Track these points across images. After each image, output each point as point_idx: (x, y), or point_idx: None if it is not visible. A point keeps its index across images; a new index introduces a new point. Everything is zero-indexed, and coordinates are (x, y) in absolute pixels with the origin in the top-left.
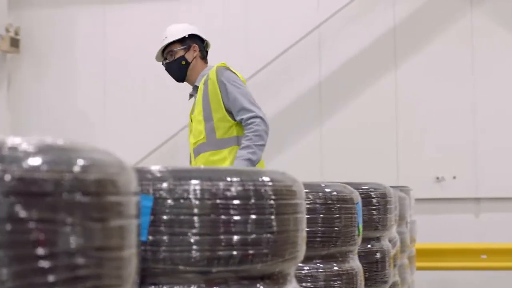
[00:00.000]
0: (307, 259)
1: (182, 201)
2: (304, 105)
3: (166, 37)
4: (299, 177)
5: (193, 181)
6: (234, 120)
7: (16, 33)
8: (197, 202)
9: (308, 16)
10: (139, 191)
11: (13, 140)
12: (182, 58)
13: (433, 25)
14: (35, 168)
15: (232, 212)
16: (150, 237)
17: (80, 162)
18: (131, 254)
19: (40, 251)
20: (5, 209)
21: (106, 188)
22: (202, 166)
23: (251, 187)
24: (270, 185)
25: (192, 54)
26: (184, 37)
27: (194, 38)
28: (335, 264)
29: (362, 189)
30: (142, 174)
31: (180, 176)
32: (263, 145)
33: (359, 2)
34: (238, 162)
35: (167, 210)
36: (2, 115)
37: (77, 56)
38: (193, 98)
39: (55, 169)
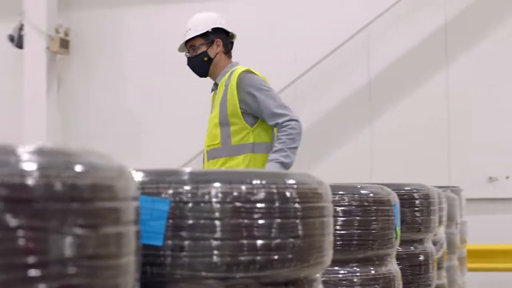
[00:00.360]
0: (343, 263)
1: (202, 204)
2: (354, 106)
3: (189, 29)
4: (348, 178)
5: (214, 184)
6: (251, 126)
7: (66, 34)
8: (218, 205)
9: (356, 15)
10: (156, 194)
11: (4, 144)
12: (204, 54)
13: (485, 22)
14: (25, 173)
15: (255, 216)
16: (170, 242)
17: (73, 166)
18: (128, 261)
19: (30, 259)
20: None
21: (101, 193)
22: (223, 169)
23: (275, 190)
24: (294, 188)
25: (215, 50)
26: (208, 31)
27: (218, 32)
28: (372, 268)
29: (404, 190)
30: (160, 176)
31: (200, 178)
32: (296, 148)
33: (407, 1)
34: (271, 165)
35: (187, 214)
36: (52, 116)
37: (126, 56)
38: (212, 97)
39: (46, 174)
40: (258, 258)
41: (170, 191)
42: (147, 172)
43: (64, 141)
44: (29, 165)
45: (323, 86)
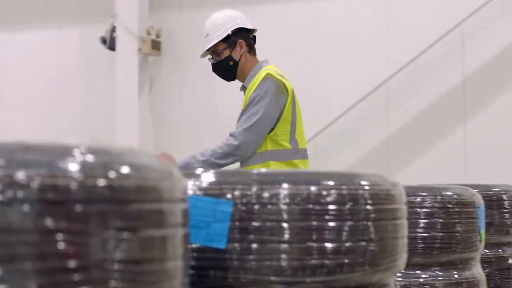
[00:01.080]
0: (424, 266)
1: (269, 206)
2: (447, 105)
3: (208, 35)
4: (442, 178)
5: (282, 185)
6: (268, 132)
7: (157, 36)
8: (286, 207)
9: (449, 13)
10: (219, 195)
11: (43, 142)
12: (229, 58)
13: None
14: (64, 174)
15: (324, 218)
16: (235, 245)
17: (115, 167)
18: (175, 266)
19: (71, 263)
20: (32, 219)
21: (144, 195)
22: (290, 169)
23: (346, 191)
24: (367, 189)
25: (239, 52)
26: (228, 34)
27: (239, 31)
28: (455, 272)
29: (492, 191)
30: (223, 177)
31: (266, 179)
32: (217, 164)
33: None
34: (186, 156)
35: (253, 216)
36: (144, 118)
37: None
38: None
39: (86, 175)
40: (328, 262)
41: (236, 193)
42: (211, 173)
43: (155, 142)
44: (69, 166)
45: (416, 85)
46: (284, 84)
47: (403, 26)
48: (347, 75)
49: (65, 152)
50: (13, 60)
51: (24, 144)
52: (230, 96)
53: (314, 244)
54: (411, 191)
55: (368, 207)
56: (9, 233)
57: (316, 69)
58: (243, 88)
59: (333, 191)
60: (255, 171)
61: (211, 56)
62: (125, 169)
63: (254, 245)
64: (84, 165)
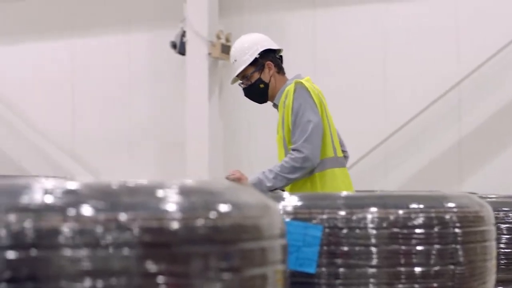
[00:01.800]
0: (507, 283)
1: (358, 231)
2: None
3: (235, 60)
4: None
5: (370, 209)
6: None
7: (227, 40)
8: (374, 231)
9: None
10: (308, 219)
11: (142, 184)
12: (259, 81)
13: None
14: (166, 216)
15: (413, 242)
16: (324, 269)
17: (215, 206)
18: None
19: None
20: (133, 262)
21: (245, 234)
22: (378, 192)
23: (434, 214)
24: (455, 212)
25: (268, 73)
26: (255, 57)
27: (265, 54)
28: None
29: None
30: (313, 201)
31: (355, 203)
32: (288, 179)
33: None
34: (252, 177)
35: (342, 241)
36: (214, 123)
37: (287, 61)
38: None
39: (186, 216)
40: (417, 286)
41: (324, 217)
42: (300, 196)
43: (225, 147)
44: (169, 207)
45: (489, 86)
46: (312, 88)
47: (475, 26)
48: (417, 77)
49: (165, 193)
50: (84, 65)
51: (124, 185)
52: None
53: (403, 269)
54: (493, 206)
55: (457, 230)
56: (111, 276)
57: (387, 71)
58: (275, 106)
59: (421, 215)
60: (343, 194)
61: (241, 81)
62: (225, 208)
63: (342, 270)
64: (184, 206)
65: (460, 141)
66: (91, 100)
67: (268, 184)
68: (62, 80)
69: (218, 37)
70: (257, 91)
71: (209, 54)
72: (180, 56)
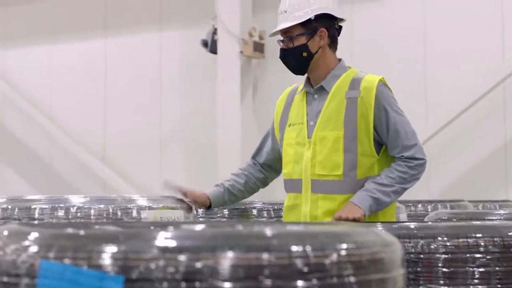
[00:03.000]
0: None
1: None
2: None
3: (285, 12)
4: None
5: None
6: (378, 154)
7: (260, 37)
8: None
9: None
10: None
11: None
12: (303, 48)
13: None
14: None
15: None
16: None
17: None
18: None
19: None
20: None
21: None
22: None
23: None
24: None
25: (317, 43)
26: (310, 18)
27: (323, 17)
28: None
29: None
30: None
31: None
32: (404, 190)
33: None
34: (361, 196)
35: None
36: (248, 122)
37: None
38: (302, 100)
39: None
40: None
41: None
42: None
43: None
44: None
45: None
46: None
47: None
48: (460, 73)
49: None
50: (115, 66)
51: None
52: None
53: None
54: None
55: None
56: None
57: (427, 68)
58: (318, 92)
59: None
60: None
61: (282, 39)
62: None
63: None
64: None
65: (506, 143)
66: (122, 101)
67: (388, 200)
68: (94, 81)
69: (251, 35)
70: (298, 59)
71: (241, 52)
72: (211, 55)
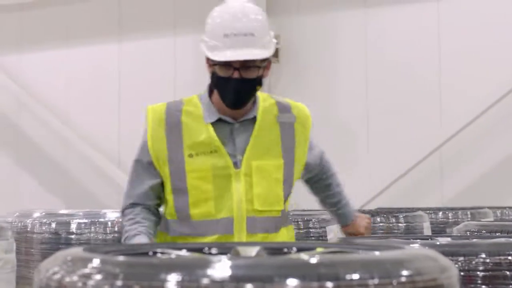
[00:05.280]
0: None
1: None
2: None
3: (249, 35)
4: None
5: None
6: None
7: (276, 41)
8: None
9: None
10: None
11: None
12: (259, 81)
13: None
14: None
15: None
16: None
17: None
18: None
19: None
20: None
21: None
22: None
23: None
24: None
25: (266, 74)
26: None
27: None
28: None
29: None
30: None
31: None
32: None
33: None
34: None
35: None
36: None
37: (338, 63)
38: (204, 126)
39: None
40: None
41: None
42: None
43: None
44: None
45: None
46: None
47: None
48: (475, 78)
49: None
50: (129, 69)
51: None
52: (350, 104)
53: None
54: None
55: None
56: None
57: (442, 72)
58: (244, 123)
59: None
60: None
61: (235, 68)
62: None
63: None
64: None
65: None
66: (136, 104)
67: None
68: (109, 85)
69: None
70: (251, 91)
71: None
72: None
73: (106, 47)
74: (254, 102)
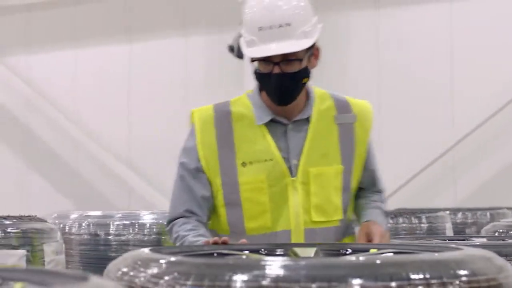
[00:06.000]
0: None
1: None
2: None
3: (285, 25)
4: None
5: None
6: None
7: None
8: None
9: None
10: None
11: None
12: (305, 73)
13: None
14: None
15: None
16: None
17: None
18: None
19: None
20: None
21: None
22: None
23: None
24: None
25: (313, 65)
26: None
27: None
28: None
29: None
30: None
31: None
32: None
33: None
34: (376, 213)
35: None
36: None
37: (350, 65)
38: (260, 132)
39: None
40: None
41: None
42: None
43: None
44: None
45: None
46: None
47: None
48: (487, 79)
49: None
50: (140, 70)
51: None
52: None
53: None
54: None
55: None
56: None
57: (454, 73)
58: (296, 123)
59: None
60: None
61: (275, 62)
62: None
63: None
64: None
65: None
66: (147, 106)
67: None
68: (119, 85)
69: None
70: (297, 86)
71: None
72: (238, 60)
73: (116, 47)
74: (308, 99)
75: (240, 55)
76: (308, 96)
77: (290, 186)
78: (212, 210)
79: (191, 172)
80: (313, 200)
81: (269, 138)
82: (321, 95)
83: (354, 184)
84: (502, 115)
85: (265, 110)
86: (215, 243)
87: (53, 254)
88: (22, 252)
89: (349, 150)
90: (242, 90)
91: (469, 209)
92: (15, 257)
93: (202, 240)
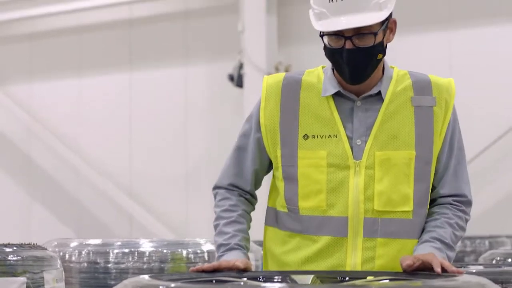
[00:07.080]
0: None
1: None
2: None
3: None
4: None
5: None
6: None
7: (286, 71)
8: None
9: None
10: None
11: None
12: (380, 48)
13: None
14: None
15: None
16: None
17: None
18: None
19: None
20: None
21: None
22: None
23: None
24: None
25: (388, 39)
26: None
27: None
28: None
29: None
30: None
31: None
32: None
33: None
34: (431, 247)
35: None
36: None
37: None
38: (326, 105)
39: None
40: None
41: None
42: None
43: None
44: None
45: None
46: None
47: None
48: (485, 110)
49: None
50: (141, 99)
51: None
52: None
53: None
54: None
55: None
56: None
57: (459, 98)
58: (364, 100)
59: None
60: None
61: (347, 37)
62: None
63: None
64: None
65: None
66: (147, 134)
67: (452, 254)
68: (120, 114)
69: (277, 69)
70: (372, 62)
71: None
72: (238, 89)
73: (117, 77)
74: (383, 74)
75: (239, 84)
76: (383, 74)
77: (352, 169)
78: (273, 184)
79: (250, 142)
80: (377, 187)
81: (335, 113)
82: (400, 74)
83: (432, 169)
84: (501, 144)
85: (334, 83)
86: (202, 271)
87: (53, 282)
88: (22, 279)
89: (426, 135)
90: (242, 118)
91: (468, 237)
92: (15, 285)
93: (225, 238)
